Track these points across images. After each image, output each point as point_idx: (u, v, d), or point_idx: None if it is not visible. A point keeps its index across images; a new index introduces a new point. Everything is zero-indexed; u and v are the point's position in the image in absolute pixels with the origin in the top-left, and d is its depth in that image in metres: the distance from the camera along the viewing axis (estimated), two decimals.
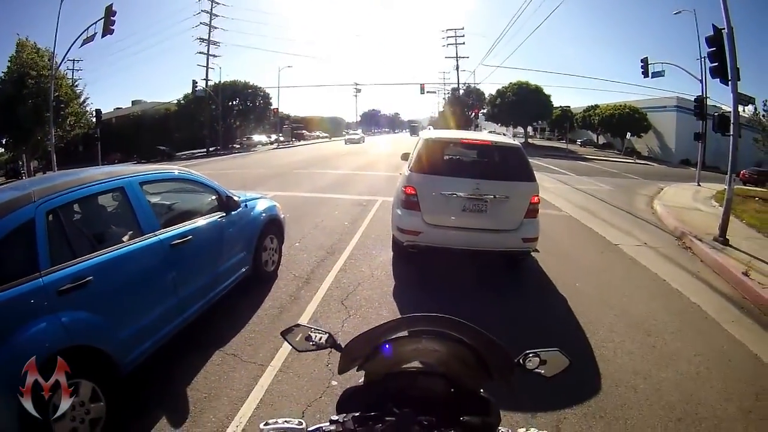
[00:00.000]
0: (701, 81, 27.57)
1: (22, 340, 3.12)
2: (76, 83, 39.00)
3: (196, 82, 54.47)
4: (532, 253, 7.94)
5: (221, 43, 62.12)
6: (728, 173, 11.56)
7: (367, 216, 12.42)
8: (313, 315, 6.18)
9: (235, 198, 6.39)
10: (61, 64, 31.67)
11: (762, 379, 5.14)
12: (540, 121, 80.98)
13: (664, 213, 15.07)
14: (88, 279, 3.72)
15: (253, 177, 22.30)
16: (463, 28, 77.44)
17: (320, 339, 1.86)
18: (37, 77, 31.05)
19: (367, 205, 14.12)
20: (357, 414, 1.59)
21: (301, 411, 4.12)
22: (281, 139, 69.31)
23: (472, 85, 73.67)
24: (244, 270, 6.47)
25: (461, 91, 74.67)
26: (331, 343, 1.86)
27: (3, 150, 38.45)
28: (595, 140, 78.12)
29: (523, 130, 76.25)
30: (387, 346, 1.65)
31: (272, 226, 7.41)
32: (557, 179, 26.11)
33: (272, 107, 67.33)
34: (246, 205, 6.75)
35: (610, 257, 9.72)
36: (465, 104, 73.45)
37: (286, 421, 1.55)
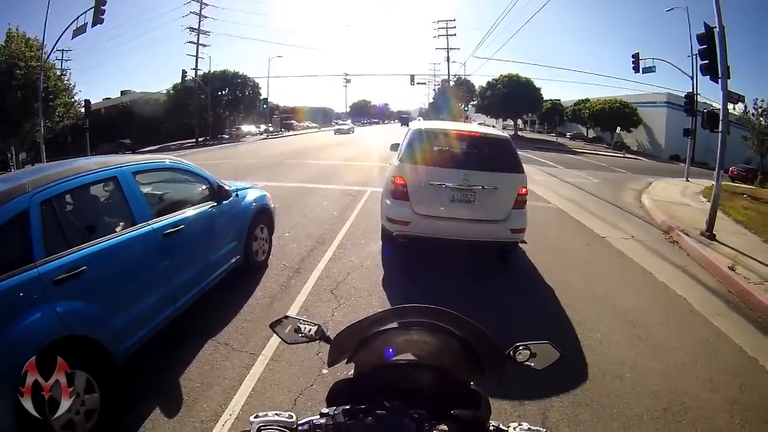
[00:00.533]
0: (692, 78, 27.73)
1: (18, 331, 3.12)
2: (65, 73, 38.65)
3: (186, 72, 54.11)
4: (521, 245, 8.00)
5: (211, 33, 61.85)
6: (716, 170, 11.65)
7: (356, 206, 12.47)
8: (304, 304, 6.21)
9: (226, 187, 6.40)
10: (50, 54, 31.45)
11: (747, 370, 5.23)
12: (530, 114, 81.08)
13: (652, 207, 15.16)
14: (82, 269, 3.72)
15: (243, 167, 22.29)
16: (454, 20, 77.45)
17: (309, 331, 1.85)
18: (26, 68, 30.75)
19: (356, 195, 14.18)
20: (347, 407, 1.58)
21: (293, 399, 4.16)
22: (270, 129, 68.79)
23: (463, 77, 73.69)
24: (235, 259, 6.49)
25: (452, 83, 74.57)
26: (320, 335, 1.84)
27: None
28: (585, 134, 78.38)
29: (512, 123, 76.32)
30: (390, 350, 1.67)
31: (263, 216, 7.43)
32: (546, 172, 26.21)
33: (262, 97, 66.94)
34: (237, 195, 6.75)
35: (597, 250, 9.81)
36: (455, 96, 73.36)
37: (276, 414, 1.52)
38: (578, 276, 7.88)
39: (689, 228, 11.58)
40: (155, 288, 4.71)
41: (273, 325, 1.90)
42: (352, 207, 12.37)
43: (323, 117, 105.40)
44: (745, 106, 38.01)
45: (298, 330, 1.85)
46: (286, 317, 1.90)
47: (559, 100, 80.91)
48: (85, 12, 25.20)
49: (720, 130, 11.78)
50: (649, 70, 31.46)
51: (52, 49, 30.33)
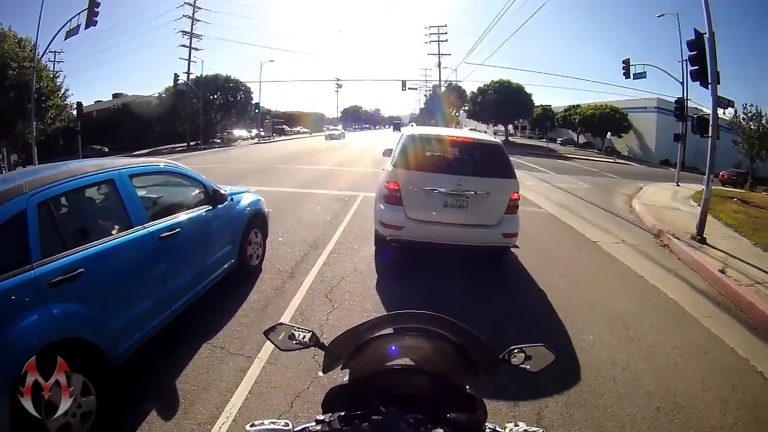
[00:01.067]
0: (682, 83, 27.88)
1: (14, 333, 3.10)
2: (57, 75, 38.40)
3: (178, 76, 53.87)
4: (513, 249, 8.01)
5: (204, 37, 61.33)
6: (706, 174, 11.75)
7: (349, 211, 12.48)
8: (299, 308, 6.23)
9: (222, 192, 6.40)
10: (43, 55, 31.21)
11: (739, 371, 5.29)
12: (521, 120, 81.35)
13: (643, 211, 15.26)
14: (79, 271, 3.72)
15: (235, 172, 22.20)
16: (445, 26, 78.05)
17: (303, 338, 1.85)
18: (19, 68, 30.55)
19: (348, 200, 14.19)
20: (343, 413, 1.57)
21: (289, 402, 4.17)
22: (262, 134, 68.83)
23: (454, 83, 73.89)
24: (229, 263, 6.49)
25: (443, 89, 74.72)
26: (315, 341, 1.84)
27: None
28: (576, 139, 78.65)
29: (503, 128, 76.50)
30: (394, 348, 1.68)
31: (257, 220, 7.44)
32: (538, 177, 26.29)
33: (254, 102, 66.72)
34: (232, 199, 6.75)
35: (588, 254, 9.86)
36: (447, 101, 73.50)
37: (272, 422, 1.54)
38: (570, 280, 7.93)
39: (680, 232, 11.68)
40: (151, 291, 4.70)
41: (267, 332, 1.90)
42: (345, 212, 12.38)
43: (315, 122, 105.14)
44: (735, 111, 38.35)
45: (292, 337, 1.85)
46: (280, 324, 1.91)
47: (550, 105, 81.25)
48: (79, 14, 25.09)
49: (710, 135, 11.90)
50: (639, 75, 31.62)
51: (46, 50, 30.16)
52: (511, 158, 7.99)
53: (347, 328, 1.68)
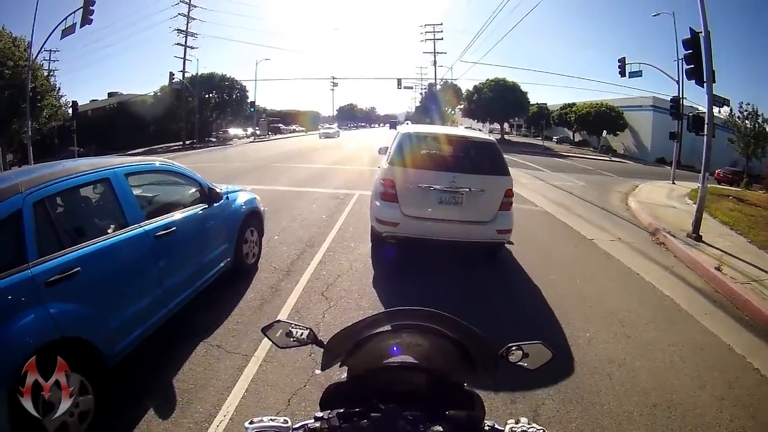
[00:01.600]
0: (678, 82, 27.94)
1: (11, 333, 3.09)
2: (52, 74, 38.35)
3: (173, 74, 53.66)
4: (508, 246, 8.16)
5: (199, 35, 61.29)
6: (702, 172, 11.81)
7: (344, 209, 12.47)
8: (295, 306, 6.23)
9: (217, 190, 6.42)
10: (38, 54, 31.08)
11: (735, 368, 5.31)
12: (516, 118, 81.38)
13: (639, 209, 15.28)
14: (76, 270, 3.72)
15: (231, 171, 22.20)
16: (441, 24, 77.87)
17: (301, 335, 1.85)
18: (14, 67, 30.44)
19: (344, 198, 14.18)
20: (341, 410, 1.57)
21: (286, 400, 4.17)
22: (258, 132, 68.75)
23: (450, 81, 73.84)
24: (225, 262, 6.49)
25: (438, 87, 74.67)
26: (312, 338, 1.85)
27: None
28: (572, 137, 78.78)
29: (499, 127, 76.52)
30: (392, 345, 1.67)
31: (253, 219, 7.45)
32: (533, 175, 26.31)
33: (249, 100, 66.85)
34: (227, 198, 6.78)
35: (584, 251, 9.88)
36: (442, 100, 73.46)
37: (271, 419, 1.53)
38: (566, 277, 7.95)
39: (675, 230, 11.70)
40: (147, 290, 4.70)
41: (265, 330, 1.90)
42: (341, 210, 12.38)
43: (310, 121, 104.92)
44: (731, 110, 38.45)
45: (289, 334, 1.86)
46: (278, 321, 1.90)
47: (545, 104, 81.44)
48: (74, 12, 24.91)
49: (705, 133, 11.93)
50: (635, 74, 31.51)
51: (41, 49, 29.96)
52: (507, 156, 8.06)
53: (344, 326, 1.68)
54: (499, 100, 66.09)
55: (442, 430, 1.48)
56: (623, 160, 56.32)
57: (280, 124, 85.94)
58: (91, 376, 3.63)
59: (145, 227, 4.76)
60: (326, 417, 1.55)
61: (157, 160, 6.00)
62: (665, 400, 4.49)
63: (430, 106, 73.74)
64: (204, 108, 61.31)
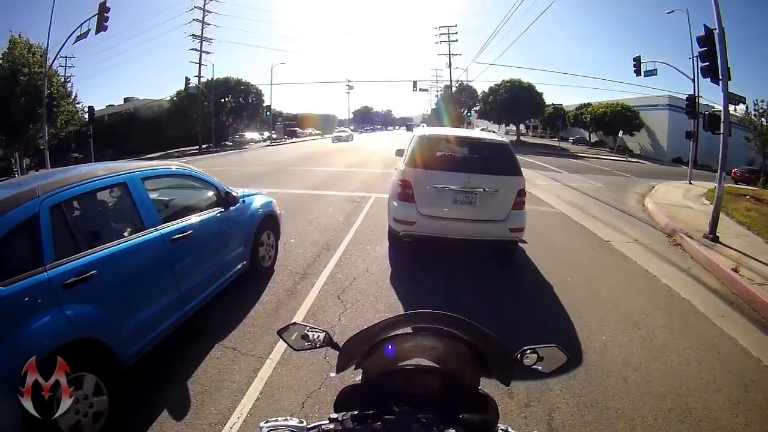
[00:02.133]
0: (693, 80, 27.63)
1: (27, 334, 3.16)
2: (68, 80, 38.67)
3: (189, 79, 53.77)
4: (523, 247, 8.29)
5: (214, 40, 61.33)
6: (718, 171, 11.65)
7: (360, 212, 12.47)
8: (310, 309, 6.25)
9: (234, 194, 6.46)
10: (54, 61, 31.42)
11: (751, 371, 5.22)
12: (532, 119, 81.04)
13: (655, 210, 15.15)
14: (92, 273, 3.76)
15: (248, 174, 22.24)
16: (455, 26, 77.54)
17: (317, 338, 1.86)
18: (30, 74, 30.78)
19: (360, 201, 14.18)
20: (356, 412, 1.59)
21: (301, 402, 4.18)
22: (274, 136, 68.89)
23: (465, 83, 73.59)
24: (241, 265, 6.53)
25: (454, 89, 74.43)
26: (328, 341, 1.85)
27: None
28: (587, 138, 78.20)
29: (515, 128, 76.22)
30: (390, 347, 1.68)
31: (269, 222, 7.48)
32: (549, 176, 25.99)
33: (265, 104, 66.96)
34: (244, 201, 6.81)
35: (601, 253, 9.80)
36: (457, 101, 73.27)
37: (285, 420, 1.57)
38: (582, 279, 7.91)
39: (692, 231, 11.57)
40: (163, 293, 4.74)
41: (280, 332, 1.91)
42: (357, 213, 12.37)
43: (326, 124, 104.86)
44: (747, 107, 37.95)
45: (305, 337, 1.87)
46: (294, 324, 1.91)
47: (561, 104, 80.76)
48: (89, 19, 25.17)
49: (722, 132, 11.83)
50: (650, 73, 31.26)
51: (57, 55, 30.44)
52: (523, 158, 8.19)
53: (359, 329, 1.69)
54: (515, 101, 65.84)
55: None
56: (639, 161, 55.75)
57: (296, 128, 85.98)
58: (105, 377, 3.67)
59: (161, 231, 4.80)
60: (340, 419, 1.57)
61: (173, 164, 6.02)
62: (680, 404, 4.45)
63: (445, 108, 73.52)
64: (220, 112, 61.46)
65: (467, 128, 40.23)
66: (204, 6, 58.57)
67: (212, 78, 60.71)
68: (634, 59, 30.60)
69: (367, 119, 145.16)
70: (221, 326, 5.56)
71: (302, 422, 1.56)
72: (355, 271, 7.72)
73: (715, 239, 10.74)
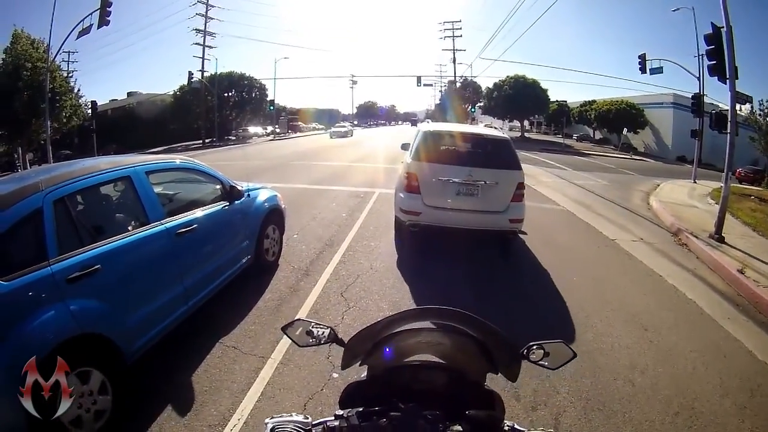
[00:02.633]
0: (699, 78, 27.52)
1: (32, 328, 3.15)
2: (71, 75, 38.62)
3: (192, 74, 53.83)
4: (529, 244, 8.58)
5: (217, 34, 61.32)
6: (725, 171, 11.60)
7: (365, 208, 12.41)
8: (313, 307, 6.19)
9: (239, 188, 6.46)
10: (56, 55, 31.32)
11: (757, 375, 5.18)
12: (536, 116, 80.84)
13: (661, 209, 15.07)
14: (96, 267, 3.75)
15: (251, 169, 22.18)
16: (460, 21, 77.27)
17: (321, 334, 1.85)
18: (33, 69, 30.71)
19: (364, 197, 14.10)
20: (361, 409, 1.58)
21: (302, 403, 4.14)
22: (277, 130, 68.82)
23: (469, 78, 73.42)
24: (246, 259, 6.53)
25: (458, 84, 74.28)
26: (333, 338, 1.84)
27: None
28: (592, 135, 78.06)
29: (519, 124, 76.06)
30: (388, 350, 1.67)
31: (274, 216, 7.49)
32: (555, 174, 26.16)
33: (268, 99, 67.05)
34: (249, 195, 6.82)
35: (607, 252, 9.74)
36: (462, 97, 73.13)
37: (291, 416, 1.57)
38: (588, 278, 7.86)
39: (698, 230, 11.53)
40: (167, 287, 4.72)
41: (285, 328, 1.90)
42: (361, 209, 12.31)
43: (330, 118, 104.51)
44: (752, 107, 37.71)
45: (310, 333, 1.85)
46: (298, 320, 1.90)
47: (565, 101, 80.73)
48: (91, 13, 25.07)
49: (728, 131, 11.74)
50: (656, 71, 30.89)
51: (59, 50, 30.26)
52: (528, 154, 8.49)
53: (363, 327, 1.67)
54: (519, 98, 65.64)
55: (461, 429, 1.50)
56: (644, 158, 55.65)
57: (299, 122, 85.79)
58: (110, 373, 3.66)
59: (166, 225, 4.79)
60: (346, 415, 1.56)
61: (177, 158, 6.05)
62: (687, 408, 4.40)
63: (449, 104, 73.36)
64: (223, 106, 61.52)
65: (471, 124, 40.33)
66: (207, 0, 58.45)
67: (215, 72, 60.89)
68: (640, 57, 30.30)
69: (370, 114, 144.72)
70: (223, 324, 5.51)
71: (308, 418, 1.56)
72: (359, 268, 7.66)
73: (721, 239, 10.68)
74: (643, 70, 30.48)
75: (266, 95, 68.23)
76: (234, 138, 60.88)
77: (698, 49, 27.81)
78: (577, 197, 17.24)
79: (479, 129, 11.36)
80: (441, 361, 1.79)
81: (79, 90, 37.46)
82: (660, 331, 6.05)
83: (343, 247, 8.78)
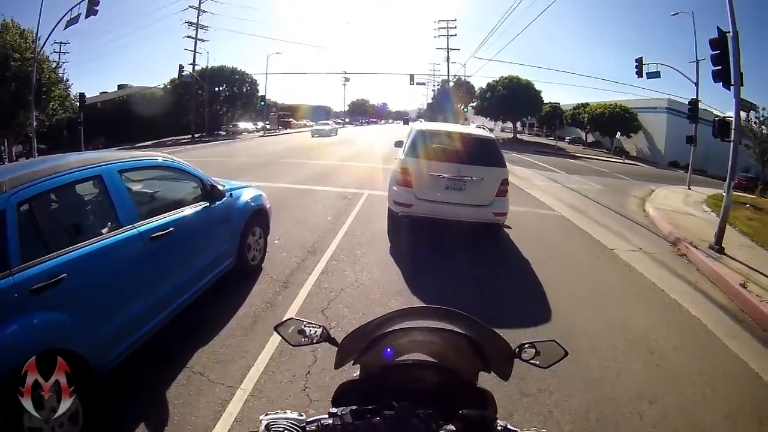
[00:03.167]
0: (696, 84, 27.42)
1: None
2: (59, 66, 38.23)
3: (183, 67, 53.13)
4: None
5: (210, 28, 60.96)
6: (727, 180, 11.29)
7: (352, 211, 11.88)
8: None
9: (219, 187, 6.20)
10: (44, 46, 31.00)
11: (764, 402, 4.97)
12: (529, 117, 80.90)
13: (657, 216, 14.82)
14: (62, 276, 3.49)
15: (236, 166, 21.71)
16: (455, 20, 76.99)
17: (314, 333, 1.85)
18: (21, 59, 30.12)
19: (352, 198, 13.60)
20: (354, 407, 1.58)
21: None
22: (268, 126, 68.40)
23: (463, 78, 73.29)
24: (228, 262, 6.30)
25: (451, 84, 74.08)
26: (325, 337, 1.85)
27: None
28: (584, 138, 78.28)
29: (511, 125, 76.07)
30: (389, 350, 1.68)
31: (258, 217, 7.27)
32: (549, 177, 25.89)
33: (259, 94, 66.68)
34: (231, 195, 6.57)
35: (606, 263, 9.36)
36: (455, 97, 73.00)
37: (285, 413, 1.54)
38: (589, 293, 7.49)
39: (696, 240, 11.26)
40: (141, 295, 4.45)
41: (277, 327, 1.89)
42: (348, 212, 11.78)
43: (322, 115, 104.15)
44: (748, 115, 37.80)
45: (302, 332, 1.86)
46: (291, 319, 1.91)
47: (558, 103, 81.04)
48: (79, 3, 24.95)
49: (732, 139, 11.46)
50: (653, 75, 30.74)
51: (46, 40, 29.96)
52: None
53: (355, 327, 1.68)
54: (513, 98, 65.87)
55: (454, 429, 1.52)
56: (637, 163, 55.94)
57: (291, 119, 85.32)
58: (80, 391, 3.27)
59: (139, 228, 4.51)
60: (340, 414, 1.56)
61: (155, 155, 5.68)
62: None
63: (442, 103, 73.39)
64: (214, 101, 61.25)
65: (463, 124, 40.33)
66: None
67: (207, 66, 60.56)
68: (637, 60, 30.23)
69: (362, 112, 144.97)
70: (191, 343, 5.03)
71: (302, 415, 1.55)
72: (343, 281, 7.17)
73: (721, 250, 10.40)
74: (639, 74, 30.50)
75: (257, 90, 68.03)
76: (224, 133, 60.31)
77: (697, 54, 27.68)
78: (573, 202, 16.89)
79: (468, 129, 12.07)
80: (434, 360, 1.80)
81: (68, 80, 37.17)
82: (666, 353, 5.71)
83: (327, 256, 8.29)
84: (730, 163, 11.19)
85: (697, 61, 27.60)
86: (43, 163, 4.22)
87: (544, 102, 73.23)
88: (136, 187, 5.27)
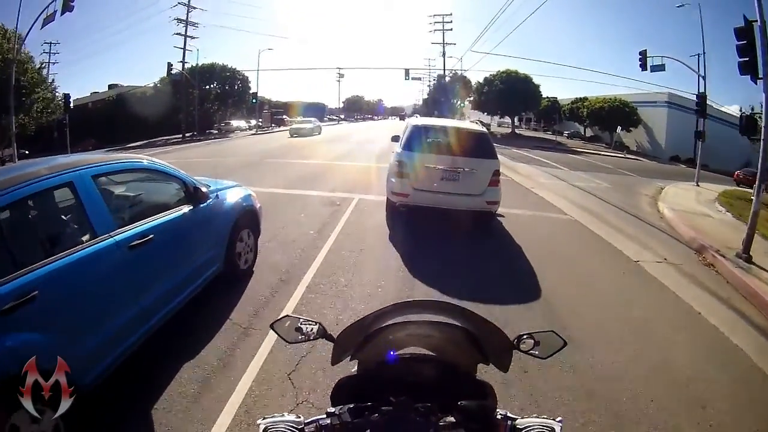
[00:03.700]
0: (703, 77, 26.97)
1: None
2: (43, 66, 37.70)
3: (171, 65, 52.13)
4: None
5: (200, 24, 59.96)
6: (757, 183, 10.48)
7: (338, 221, 10.50)
8: (243, 402, 4.18)
9: (203, 189, 5.83)
10: (21, 46, 30.74)
11: None
12: (526, 112, 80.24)
13: (674, 218, 13.93)
14: (33, 294, 3.26)
15: (222, 167, 20.58)
16: (450, 14, 76.35)
17: (310, 330, 1.82)
18: (3, 60, 29.55)
19: (340, 205, 12.20)
20: (352, 405, 1.55)
21: None
22: (261, 124, 67.83)
23: (459, 73, 72.56)
24: (215, 267, 6.02)
25: (447, 78, 73.13)
26: (322, 333, 1.83)
27: None
28: (583, 133, 77.69)
29: (509, 120, 75.37)
30: (393, 352, 1.70)
31: (247, 219, 6.93)
32: (552, 174, 25.02)
33: (251, 91, 65.90)
34: (217, 196, 6.29)
35: (633, 281, 8.20)
36: (451, 92, 72.16)
37: (283, 416, 1.51)
38: (622, 323, 6.31)
39: (721, 246, 10.45)
40: (122, 309, 4.21)
41: (273, 324, 1.86)
42: (334, 222, 10.42)
43: (316, 112, 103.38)
44: (753, 108, 37.16)
45: (299, 330, 1.83)
46: (287, 316, 1.87)
47: (556, 97, 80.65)
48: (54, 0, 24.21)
49: (762, 138, 10.49)
50: (658, 68, 30.24)
51: (24, 39, 29.63)
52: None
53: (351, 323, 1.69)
54: (510, 93, 65.40)
55: (454, 420, 1.50)
56: (638, 158, 55.33)
57: (284, 116, 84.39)
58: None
59: (116, 237, 4.24)
60: (338, 412, 1.54)
61: (132, 158, 5.32)
62: None
63: (438, 99, 72.95)
64: (205, 99, 60.43)
65: (459, 119, 39.93)
66: None
67: (197, 64, 59.86)
68: (640, 53, 29.88)
69: (357, 108, 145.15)
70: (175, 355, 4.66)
71: (299, 417, 1.52)
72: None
73: (749, 259, 9.58)
74: (644, 67, 30.21)
75: (249, 87, 67.61)
76: (216, 132, 59.86)
77: (704, 47, 27.13)
78: (583, 203, 15.87)
79: (462, 123, 13.08)
80: (432, 353, 1.82)
81: (53, 81, 36.78)
82: (719, 406, 4.61)
83: (303, 285, 6.82)
84: (760, 162, 10.34)
85: (699, 55, 27.20)
86: (8, 172, 3.95)
87: (542, 96, 72.45)
88: (115, 191, 5.04)
